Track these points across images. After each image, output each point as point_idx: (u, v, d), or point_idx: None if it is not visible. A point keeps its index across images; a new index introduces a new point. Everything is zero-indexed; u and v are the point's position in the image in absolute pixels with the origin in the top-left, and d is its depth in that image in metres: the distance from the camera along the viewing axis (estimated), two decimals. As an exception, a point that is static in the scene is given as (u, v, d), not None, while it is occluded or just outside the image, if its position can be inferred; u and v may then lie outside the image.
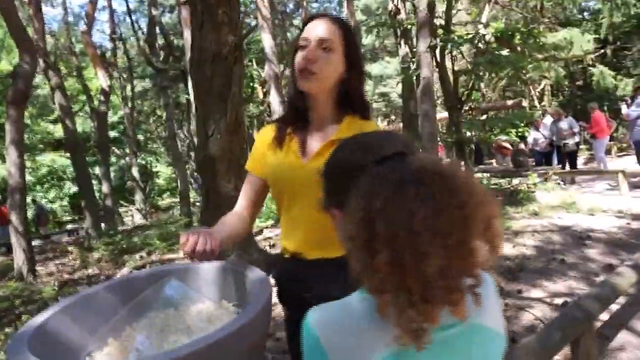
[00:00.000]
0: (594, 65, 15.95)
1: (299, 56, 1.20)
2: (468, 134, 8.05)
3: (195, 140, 17.59)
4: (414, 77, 8.42)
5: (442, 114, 10.39)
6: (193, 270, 1.83)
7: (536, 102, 18.67)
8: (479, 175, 9.55)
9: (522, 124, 7.70)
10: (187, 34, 7.19)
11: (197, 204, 15.65)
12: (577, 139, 9.58)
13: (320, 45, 1.18)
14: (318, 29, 1.19)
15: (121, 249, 8.19)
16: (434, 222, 0.58)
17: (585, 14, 19.49)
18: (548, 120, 10.28)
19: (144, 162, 19.69)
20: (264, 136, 1.35)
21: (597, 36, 15.75)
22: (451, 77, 8.19)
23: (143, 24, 17.37)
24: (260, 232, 7.14)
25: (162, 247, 7.38)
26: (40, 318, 1.04)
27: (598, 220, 5.48)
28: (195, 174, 18.43)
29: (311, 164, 1.21)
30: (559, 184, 8.36)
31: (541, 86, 19.00)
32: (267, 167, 1.30)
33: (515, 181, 8.60)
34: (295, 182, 1.23)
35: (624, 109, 8.85)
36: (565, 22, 16.89)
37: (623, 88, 14.51)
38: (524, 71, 13.65)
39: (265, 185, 1.35)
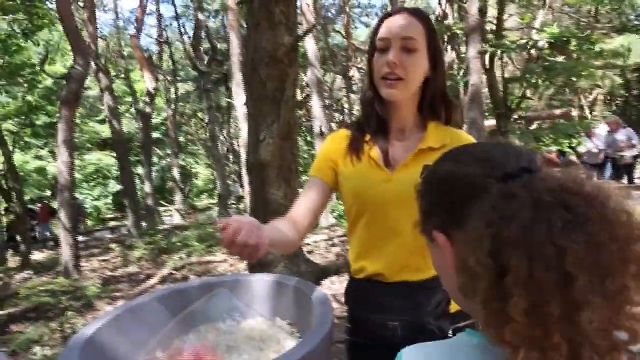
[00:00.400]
0: (653, 74, 15.04)
1: (380, 60, 1.08)
2: (518, 143, 7.67)
3: (235, 143, 17.77)
4: (462, 84, 8.16)
5: (487, 122, 10.02)
6: (245, 282, 1.73)
7: (587, 112, 17.80)
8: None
9: (577, 135, 7.27)
10: (233, 38, 7.25)
11: (234, 205, 15.83)
12: (635, 152, 8.98)
13: (404, 45, 1.06)
14: (399, 27, 1.06)
15: (161, 249, 8.32)
16: (591, 261, 0.45)
17: (643, 20, 18.46)
18: (602, 130, 9.71)
19: (184, 163, 20.14)
20: (335, 142, 1.21)
21: (657, 43, 14.85)
22: (500, 85, 7.86)
23: (188, 28, 17.83)
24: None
25: (201, 249, 7.43)
26: (90, 329, 1.02)
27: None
28: (233, 176, 18.70)
29: (399, 176, 1.10)
30: (615, 199, 7.85)
31: (593, 95, 18.12)
32: (343, 178, 1.17)
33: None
34: (382, 197, 1.11)
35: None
36: (622, 28, 16.04)
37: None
38: (575, 79, 13.04)
39: (330, 192, 1.22)
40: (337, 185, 1.20)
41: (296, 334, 1.25)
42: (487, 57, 7.35)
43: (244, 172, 8.40)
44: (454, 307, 1.06)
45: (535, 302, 0.45)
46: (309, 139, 15.77)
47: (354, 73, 17.29)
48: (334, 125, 16.54)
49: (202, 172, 22.68)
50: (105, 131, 20.76)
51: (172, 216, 16.03)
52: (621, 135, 9.00)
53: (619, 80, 16.25)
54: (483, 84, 7.23)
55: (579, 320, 0.44)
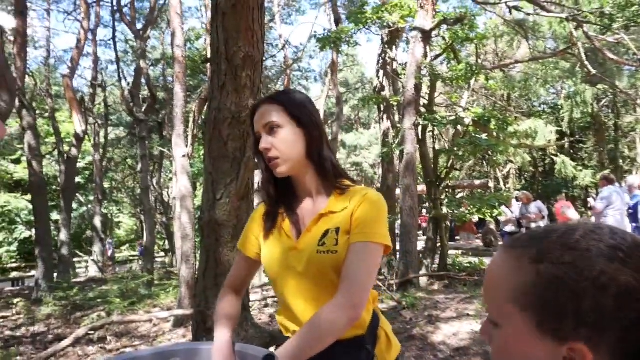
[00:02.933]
0: (556, 155, 17.02)
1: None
2: (445, 210, 8.17)
3: (165, 193, 17.05)
4: (397, 151, 8.66)
5: (419, 187, 10.62)
6: (201, 352, 1.64)
7: (502, 184, 19.50)
8: (452, 252, 9.63)
9: (498, 205, 7.92)
10: (178, 89, 7.21)
11: (158, 259, 14.93)
12: (546, 221, 9.91)
13: (268, 130, 1.17)
14: (260, 116, 1.19)
15: (75, 305, 7.54)
16: None
17: (545, 107, 21.12)
18: (515, 204, 10.67)
19: (106, 211, 18.87)
20: (256, 218, 1.33)
21: (558, 128, 16.99)
22: (431, 155, 8.45)
23: (126, 73, 17.43)
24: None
25: (122, 307, 6.83)
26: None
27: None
28: (158, 227, 17.78)
29: (303, 242, 1.19)
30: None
31: (507, 169, 19.97)
32: (262, 249, 1.28)
33: (488, 260, 8.68)
34: (288, 263, 1.20)
35: (591, 201, 9.29)
36: (528, 113, 18.21)
37: (582, 178, 15.41)
38: (491, 154, 14.41)
39: (257, 264, 1.34)
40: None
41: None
42: (419, 129, 7.92)
43: (176, 224, 8.05)
44: None
45: None
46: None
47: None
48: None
49: (126, 222, 21.33)
50: (18, 171, 19.10)
51: (87, 268, 14.72)
52: (533, 208, 9.95)
53: (527, 158, 18.15)
54: (416, 153, 7.73)
55: None
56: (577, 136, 19.46)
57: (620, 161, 19.39)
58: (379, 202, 1.21)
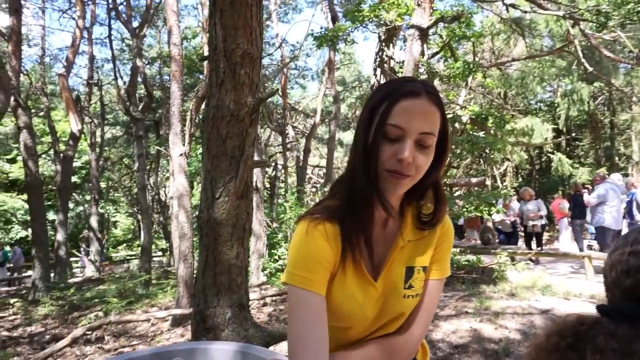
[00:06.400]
0: (552, 152, 17.07)
1: (390, 151, 0.89)
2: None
3: (162, 192, 17.00)
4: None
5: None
6: (202, 351, 1.63)
7: (499, 182, 19.54)
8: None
9: (495, 203, 7.93)
10: (175, 88, 7.17)
11: (156, 259, 14.89)
12: (543, 221, 9.95)
13: (420, 140, 0.89)
14: (420, 119, 0.89)
15: (72, 305, 7.51)
16: None
17: (542, 105, 21.16)
18: (515, 203, 10.69)
19: (102, 211, 18.80)
20: (322, 243, 0.94)
21: (555, 126, 17.03)
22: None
23: (122, 72, 17.37)
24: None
25: (120, 306, 6.81)
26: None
27: (575, 305, 5.52)
28: (155, 226, 17.72)
29: (383, 284, 0.99)
30: (527, 264, 8.50)
31: (503, 167, 20.01)
32: (335, 285, 0.96)
33: (485, 258, 8.68)
34: (367, 313, 0.98)
35: (585, 196, 9.31)
36: (525, 110, 18.25)
37: (579, 176, 15.46)
38: (488, 152, 14.43)
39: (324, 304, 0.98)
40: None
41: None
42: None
43: (173, 223, 8.02)
44: None
45: None
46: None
47: (289, 131, 17.70)
48: (266, 180, 16.56)
49: (122, 221, 21.27)
50: (13, 171, 19.00)
51: (84, 268, 14.66)
52: (532, 206, 9.97)
53: (524, 156, 18.20)
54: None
55: None
56: (573, 134, 19.50)
57: (616, 158, 19.48)
58: (452, 228, 1.08)
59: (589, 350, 0.46)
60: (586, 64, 10.64)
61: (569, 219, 10.11)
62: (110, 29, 14.07)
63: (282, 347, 3.56)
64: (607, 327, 0.48)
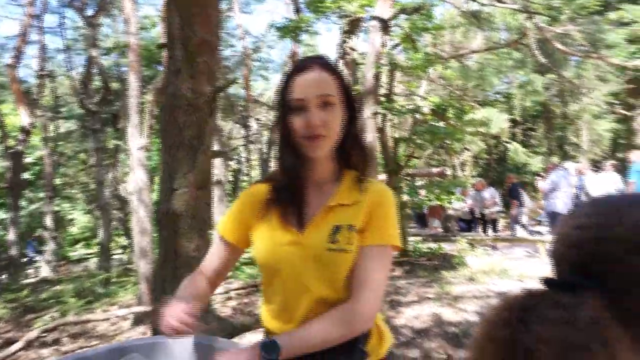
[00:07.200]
0: (509, 142, 17.71)
1: (299, 121, 1.02)
2: (405, 198, 8.33)
3: (121, 188, 16.48)
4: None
5: (380, 177, 10.77)
6: (163, 345, 1.59)
7: (459, 171, 20.10)
8: (412, 238, 9.87)
9: (455, 191, 8.18)
10: (132, 79, 6.94)
11: (116, 256, 14.44)
12: (498, 207, 10.37)
13: (321, 102, 1.02)
14: (315, 85, 1.03)
15: (26, 307, 7.18)
16: None
17: (499, 96, 21.88)
18: (472, 191, 11.09)
19: (58, 208, 18.03)
20: (249, 199, 1.17)
21: (511, 116, 17.67)
22: (391, 144, 8.57)
23: (76, 62, 16.59)
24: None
25: (78, 307, 6.57)
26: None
27: (529, 286, 5.76)
28: (115, 222, 17.15)
29: (308, 237, 1.07)
30: (486, 249, 8.82)
31: (463, 157, 20.59)
32: (254, 239, 1.13)
33: (446, 246, 8.94)
34: (289, 259, 1.06)
35: (539, 183, 9.74)
36: (483, 101, 18.82)
37: (533, 164, 16.12)
38: (448, 142, 14.82)
39: (239, 252, 1.21)
40: (249, 244, 1.17)
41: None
42: (379, 118, 8.01)
43: (134, 219, 7.79)
44: None
45: None
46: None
47: (252, 123, 17.51)
48: (229, 173, 16.35)
49: (80, 219, 20.47)
50: (-42, 168, 17.87)
51: (39, 268, 14.04)
52: (486, 194, 10.37)
53: (483, 145, 18.79)
54: (376, 142, 7.81)
55: None
56: (528, 124, 20.30)
57: (567, 147, 20.42)
58: (393, 198, 1.13)
59: (534, 320, 0.48)
60: (540, 56, 11.06)
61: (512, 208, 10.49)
62: (62, 17, 13.41)
63: (246, 339, 3.55)
64: (552, 297, 0.50)
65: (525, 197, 10.15)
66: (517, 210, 10.15)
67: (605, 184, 8.14)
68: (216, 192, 8.78)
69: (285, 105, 1.05)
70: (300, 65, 1.07)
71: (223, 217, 1.22)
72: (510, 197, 10.20)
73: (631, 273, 0.47)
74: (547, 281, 0.54)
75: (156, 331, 2.33)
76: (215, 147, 9.02)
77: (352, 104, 1.10)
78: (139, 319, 5.69)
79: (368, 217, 1.08)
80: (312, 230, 1.07)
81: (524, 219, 10.38)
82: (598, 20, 12.27)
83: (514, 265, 7.13)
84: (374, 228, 1.07)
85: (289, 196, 1.10)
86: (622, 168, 10.22)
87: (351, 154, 1.12)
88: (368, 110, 7.58)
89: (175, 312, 1.00)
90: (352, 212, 1.08)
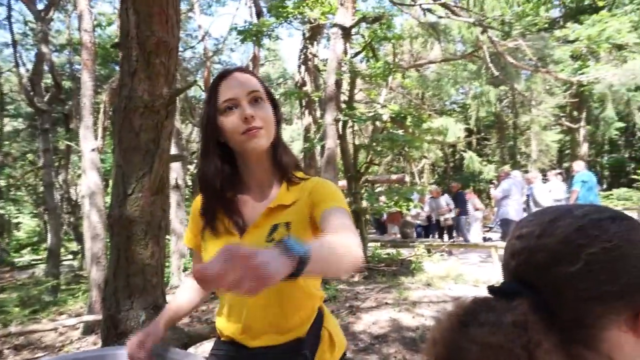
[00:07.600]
0: (464, 151, 18.34)
1: (232, 119, 1.05)
2: (365, 204, 8.44)
3: (72, 191, 15.73)
4: (318, 147, 8.77)
5: (340, 183, 10.85)
6: (110, 357, 1.54)
7: (417, 178, 20.60)
8: (371, 244, 9.99)
9: (412, 198, 8.36)
10: (86, 78, 6.66)
11: (65, 262, 13.77)
12: (453, 214, 10.70)
13: (252, 98, 1.07)
14: (242, 84, 1.07)
15: (-37, 318, 6.69)
16: None
17: (455, 106, 22.66)
18: (427, 199, 11.40)
19: (3, 211, 17.01)
20: (196, 209, 1.21)
21: (467, 126, 18.32)
22: (351, 150, 8.67)
23: (25, 59, 15.76)
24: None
25: (22, 316, 6.20)
26: None
27: (483, 291, 5.96)
28: (65, 227, 16.35)
29: (248, 239, 1.08)
30: (442, 255, 9.06)
31: (421, 164, 21.12)
32: (203, 247, 1.17)
33: (404, 251, 9.12)
34: None
35: (492, 190, 10.12)
36: (440, 111, 19.43)
37: (487, 172, 16.77)
38: (407, 150, 15.18)
39: None
40: None
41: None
42: (340, 124, 8.09)
43: (85, 224, 7.46)
44: None
45: None
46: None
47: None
48: (187, 177, 15.99)
49: (27, 223, 19.38)
50: None
51: (-22, 276, 13.14)
52: (442, 201, 10.69)
53: (440, 154, 19.36)
54: (337, 148, 7.88)
55: None
56: (482, 134, 21.11)
57: (518, 156, 21.39)
58: (333, 183, 1.15)
59: (473, 324, 0.50)
60: (493, 69, 11.54)
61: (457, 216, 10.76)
62: (10, 9, 12.68)
63: (202, 349, 3.46)
64: (489, 303, 0.53)
65: (470, 205, 10.47)
66: (462, 218, 10.49)
67: (551, 192, 8.55)
68: (174, 197, 8.55)
69: (213, 112, 1.08)
70: (223, 73, 1.12)
71: (187, 228, 1.29)
72: (455, 205, 10.54)
73: (556, 281, 0.51)
74: (489, 288, 0.57)
75: (106, 342, 2.24)
76: (174, 150, 8.79)
77: (276, 108, 1.14)
78: (89, 328, 5.44)
79: (312, 200, 1.08)
80: (253, 231, 1.09)
81: (470, 226, 10.70)
82: (546, 36, 12.97)
83: (469, 271, 7.37)
84: (321, 201, 1.06)
85: (228, 202, 1.13)
86: (567, 177, 10.82)
87: (282, 156, 1.14)
88: (329, 117, 7.64)
89: (132, 349, 1.14)
90: (292, 211, 1.09)
